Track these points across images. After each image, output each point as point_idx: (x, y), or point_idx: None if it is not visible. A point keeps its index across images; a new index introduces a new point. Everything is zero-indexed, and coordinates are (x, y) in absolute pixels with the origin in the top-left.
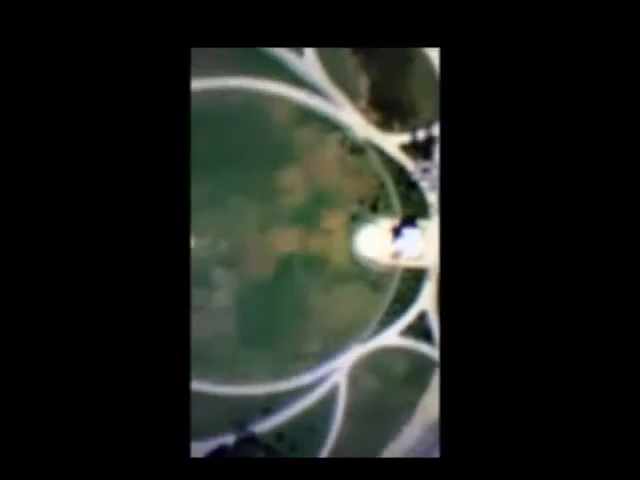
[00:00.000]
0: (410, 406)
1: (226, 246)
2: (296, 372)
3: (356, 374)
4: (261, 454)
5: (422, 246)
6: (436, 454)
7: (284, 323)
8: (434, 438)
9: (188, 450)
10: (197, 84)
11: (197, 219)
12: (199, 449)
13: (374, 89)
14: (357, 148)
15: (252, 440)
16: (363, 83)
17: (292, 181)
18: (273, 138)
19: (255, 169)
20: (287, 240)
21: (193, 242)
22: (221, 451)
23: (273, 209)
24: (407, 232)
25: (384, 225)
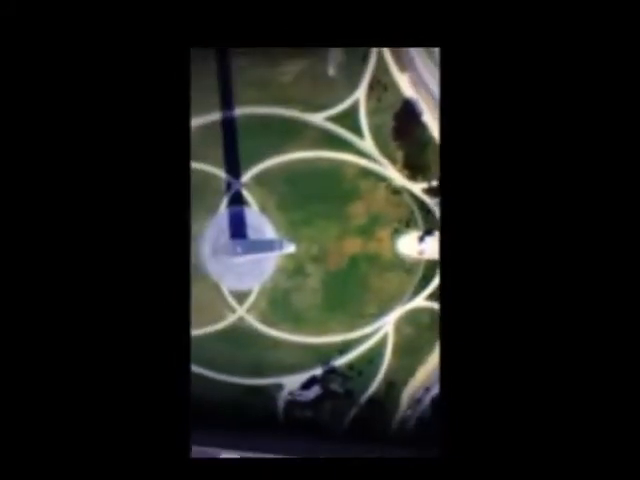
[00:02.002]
0: (431, 344)
1: (316, 249)
2: (360, 326)
3: (399, 325)
4: (339, 379)
5: (436, 247)
6: None
7: (353, 297)
8: None
9: (188, 450)
10: (298, 155)
11: (299, 233)
12: (296, 380)
13: (406, 158)
14: (397, 191)
15: (332, 370)
16: (399, 155)
17: (357, 210)
18: (346, 185)
19: (335, 203)
20: (354, 246)
21: (295, 247)
22: (312, 379)
23: (346, 227)
24: (427, 239)
25: (414, 235)
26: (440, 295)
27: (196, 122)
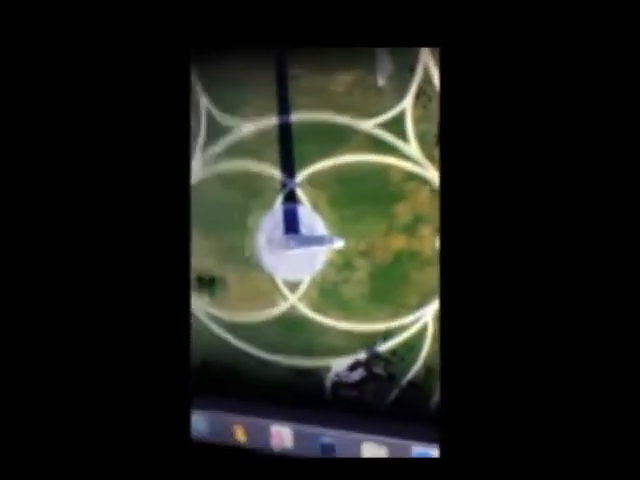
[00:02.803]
0: None
1: (364, 245)
2: (402, 315)
3: (438, 316)
4: (381, 363)
5: None
6: None
7: (396, 289)
8: None
9: (189, 430)
10: (348, 158)
11: (348, 230)
12: (342, 363)
13: None
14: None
15: (376, 355)
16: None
17: (402, 209)
18: (392, 187)
19: (382, 203)
20: (399, 242)
21: (344, 242)
22: (356, 363)
23: (392, 225)
24: None
25: None
26: (440, 294)
27: (255, 126)
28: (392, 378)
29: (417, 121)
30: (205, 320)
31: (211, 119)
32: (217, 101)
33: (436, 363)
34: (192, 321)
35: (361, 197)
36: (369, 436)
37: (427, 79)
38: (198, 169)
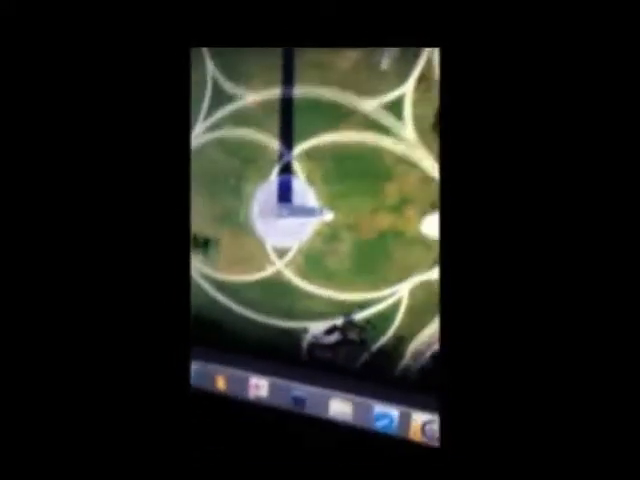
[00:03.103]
0: (436, 310)
1: (351, 220)
2: (381, 289)
3: (413, 292)
4: (356, 330)
5: None
6: None
7: (378, 264)
8: None
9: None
10: (346, 135)
11: (338, 204)
12: (320, 326)
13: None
14: (427, 178)
15: (351, 322)
16: (435, 146)
17: (391, 190)
18: (384, 167)
19: (372, 182)
20: (385, 221)
21: (333, 215)
22: (333, 327)
23: (379, 203)
24: None
25: (436, 218)
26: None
27: (259, 96)
28: (364, 344)
29: (415, 105)
30: (197, 278)
31: (216, 86)
32: (224, 69)
33: (406, 333)
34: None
35: (354, 174)
36: (337, 393)
37: (429, 65)
38: (199, 133)
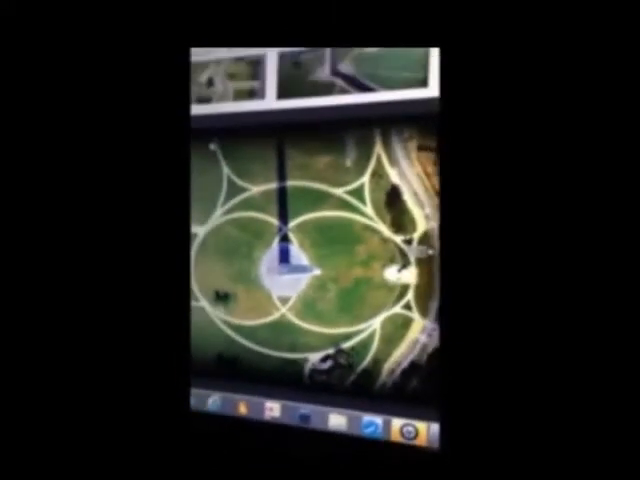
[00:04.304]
0: (402, 336)
1: (334, 273)
2: (359, 323)
3: (383, 324)
4: (344, 356)
5: (409, 276)
6: None
7: (355, 305)
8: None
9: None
10: (325, 213)
11: (323, 263)
12: (317, 356)
13: (392, 220)
14: (385, 240)
15: (340, 350)
16: (388, 218)
17: (360, 250)
18: (354, 235)
19: (347, 245)
20: (357, 272)
21: (321, 271)
22: (326, 356)
23: (353, 260)
24: (403, 271)
25: (394, 268)
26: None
27: (260, 188)
28: (351, 367)
29: (372, 191)
30: (220, 324)
31: (230, 182)
32: (234, 169)
33: (381, 356)
34: (210, 326)
35: (333, 241)
36: (334, 409)
37: (380, 163)
38: (218, 216)
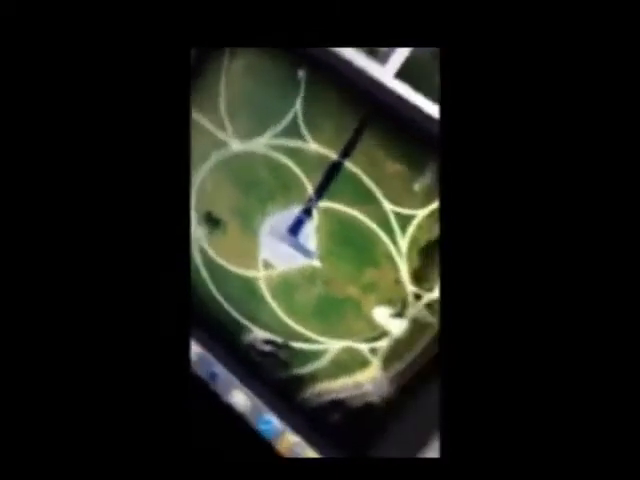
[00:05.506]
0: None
1: (330, 275)
2: (321, 334)
3: (340, 350)
4: (288, 353)
5: (399, 325)
6: None
7: (329, 317)
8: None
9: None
10: (357, 218)
11: (327, 260)
12: (262, 334)
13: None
14: (399, 282)
15: (287, 345)
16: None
17: (369, 274)
18: (373, 257)
19: (359, 261)
20: (351, 291)
21: (320, 264)
22: (272, 341)
23: (355, 278)
24: (395, 320)
25: (388, 311)
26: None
27: (318, 147)
28: (286, 366)
29: (419, 228)
30: (194, 250)
31: (294, 122)
32: (306, 113)
33: (320, 376)
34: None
35: (350, 246)
36: (245, 388)
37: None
38: (261, 143)
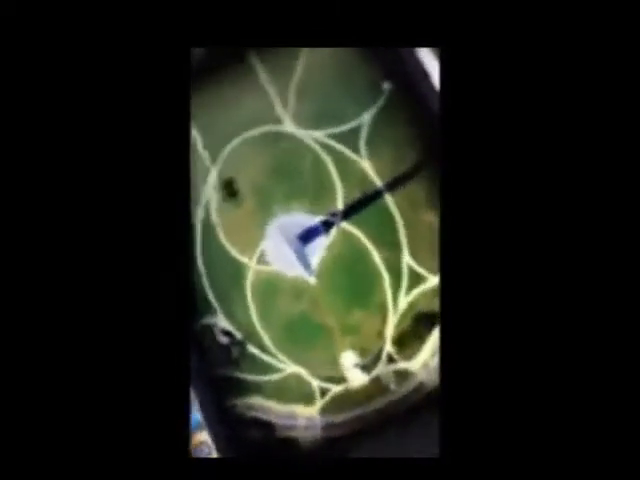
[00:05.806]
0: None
1: (320, 299)
2: (283, 351)
3: (291, 374)
4: (241, 355)
5: (362, 378)
6: None
7: (299, 338)
8: None
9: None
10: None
11: (325, 283)
12: (225, 326)
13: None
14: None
15: (244, 347)
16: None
17: (362, 321)
18: (377, 308)
19: (359, 305)
20: (335, 327)
21: (315, 283)
22: (231, 335)
23: (346, 319)
24: (358, 373)
25: (351, 357)
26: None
27: (369, 163)
28: (236, 364)
29: (423, 296)
30: (199, 208)
31: (363, 126)
32: (376, 122)
33: (259, 392)
34: (197, 203)
35: (354, 281)
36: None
37: None
38: (314, 138)
